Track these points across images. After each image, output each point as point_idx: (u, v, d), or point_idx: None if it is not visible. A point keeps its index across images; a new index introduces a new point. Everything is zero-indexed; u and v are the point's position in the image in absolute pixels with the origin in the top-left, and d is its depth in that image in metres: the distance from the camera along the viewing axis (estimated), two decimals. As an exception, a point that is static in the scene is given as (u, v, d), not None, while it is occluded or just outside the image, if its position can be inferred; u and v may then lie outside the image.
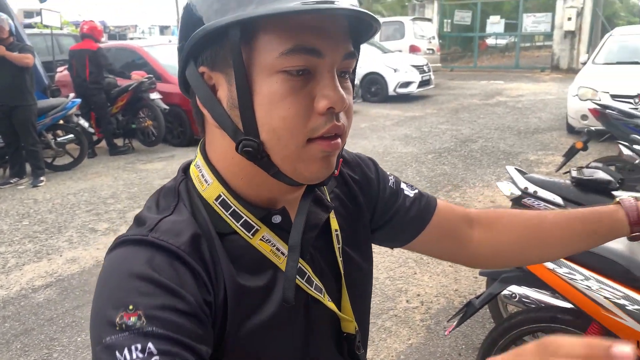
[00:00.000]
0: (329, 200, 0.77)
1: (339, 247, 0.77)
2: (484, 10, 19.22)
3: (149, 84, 7.20)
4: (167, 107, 7.25)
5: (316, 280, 0.72)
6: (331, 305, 0.73)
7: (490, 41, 23.53)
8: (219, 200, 0.66)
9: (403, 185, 0.91)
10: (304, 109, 0.60)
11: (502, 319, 2.61)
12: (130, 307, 0.53)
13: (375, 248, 0.88)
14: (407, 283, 3.37)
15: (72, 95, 6.83)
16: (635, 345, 1.67)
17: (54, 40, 9.41)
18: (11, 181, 6.02)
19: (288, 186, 0.66)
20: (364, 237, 0.84)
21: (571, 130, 7.29)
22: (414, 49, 13.91)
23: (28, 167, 6.15)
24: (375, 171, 0.89)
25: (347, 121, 0.65)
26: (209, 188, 0.67)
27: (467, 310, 2.13)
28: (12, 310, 3.26)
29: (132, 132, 7.52)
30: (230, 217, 0.66)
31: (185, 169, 0.72)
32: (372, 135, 7.87)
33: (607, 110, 4.10)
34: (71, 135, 6.67)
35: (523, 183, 2.73)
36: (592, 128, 4.05)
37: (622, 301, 1.71)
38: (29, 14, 19.20)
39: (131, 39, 15.56)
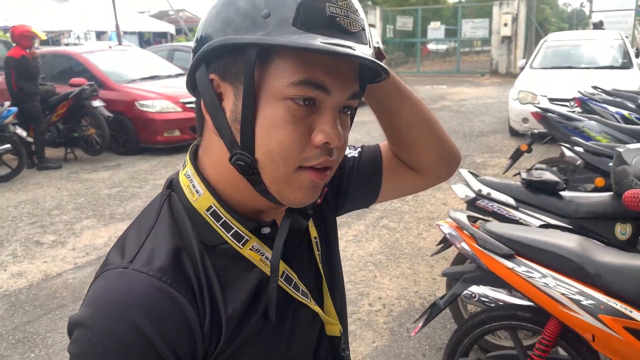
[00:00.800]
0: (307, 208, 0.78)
1: (318, 254, 0.80)
2: (424, 16, 19.79)
3: (91, 91, 6.95)
4: (110, 114, 7.03)
5: (302, 286, 0.74)
6: (317, 308, 0.76)
7: (431, 46, 24.25)
8: (210, 211, 0.67)
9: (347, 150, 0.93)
10: (302, 138, 0.62)
11: (462, 319, 2.70)
12: None
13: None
14: (368, 287, 3.42)
15: (7, 103, 6.49)
16: (591, 339, 1.78)
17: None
18: (-58, 196, 5.64)
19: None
20: (332, 232, 0.88)
21: (513, 133, 7.61)
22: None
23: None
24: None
25: (339, 156, 0.68)
26: (200, 199, 0.68)
27: (432, 311, 2.18)
28: (-48, 334, 3.05)
29: (74, 140, 7.24)
30: (221, 228, 0.67)
31: (170, 183, 0.73)
32: (322, 140, 7.90)
33: (548, 114, 4.33)
34: (8, 145, 6.32)
35: (477, 185, 2.83)
36: (535, 131, 4.26)
37: (577, 297, 1.80)
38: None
39: (66, 44, 14.90)
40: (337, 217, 0.92)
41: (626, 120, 4.50)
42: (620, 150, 2.54)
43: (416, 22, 19.32)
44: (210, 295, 0.63)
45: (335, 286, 0.85)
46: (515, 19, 16.52)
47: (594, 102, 4.95)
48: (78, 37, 19.91)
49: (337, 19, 0.60)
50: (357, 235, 4.29)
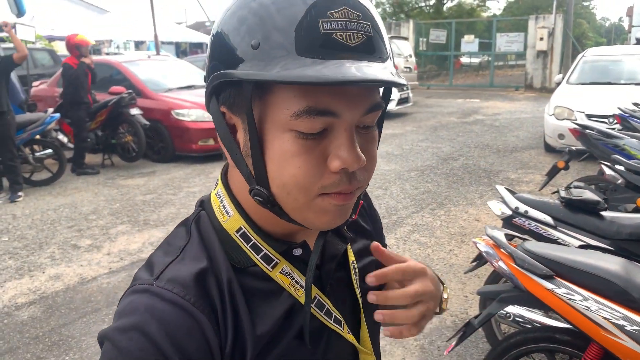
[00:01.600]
0: (347, 231, 0.77)
1: (356, 279, 0.77)
2: (458, 29, 19.69)
3: (129, 100, 7.13)
4: (147, 122, 7.19)
5: (335, 313, 0.72)
6: (351, 337, 0.73)
7: (464, 60, 24.06)
8: (240, 232, 0.67)
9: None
10: (316, 168, 0.58)
11: (495, 338, 2.64)
12: None
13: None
14: (398, 302, 3.37)
15: (50, 110, 6.72)
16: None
17: (29, 55, 9.22)
18: (-13, 197, 5.85)
19: None
20: (375, 266, 0.85)
21: (549, 148, 7.47)
22: (392, 67, 14.06)
23: (5, 182, 6.00)
24: (372, 206, 0.92)
25: (366, 174, 0.63)
26: (230, 220, 0.67)
27: (466, 330, 2.14)
28: (-7, 333, 3.15)
29: (111, 147, 7.42)
30: (250, 250, 0.66)
31: (202, 202, 0.73)
32: (354, 152, 7.90)
33: (587, 130, 4.23)
34: (49, 150, 6.55)
35: (514, 203, 2.77)
36: (573, 148, 4.16)
37: (621, 322, 1.75)
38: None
39: (107, 53, 15.35)
40: None
41: (669, 138, 4.36)
42: (665, 170, 2.46)
43: (450, 35, 19.23)
44: (234, 318, 0.62)
45: (372, 315, 0.81)
46: (551, 33, 16.26)
47: (635, 119, 4.82)
48: (118, 47, 20.47)
49: (334, 34, 0.54)
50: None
